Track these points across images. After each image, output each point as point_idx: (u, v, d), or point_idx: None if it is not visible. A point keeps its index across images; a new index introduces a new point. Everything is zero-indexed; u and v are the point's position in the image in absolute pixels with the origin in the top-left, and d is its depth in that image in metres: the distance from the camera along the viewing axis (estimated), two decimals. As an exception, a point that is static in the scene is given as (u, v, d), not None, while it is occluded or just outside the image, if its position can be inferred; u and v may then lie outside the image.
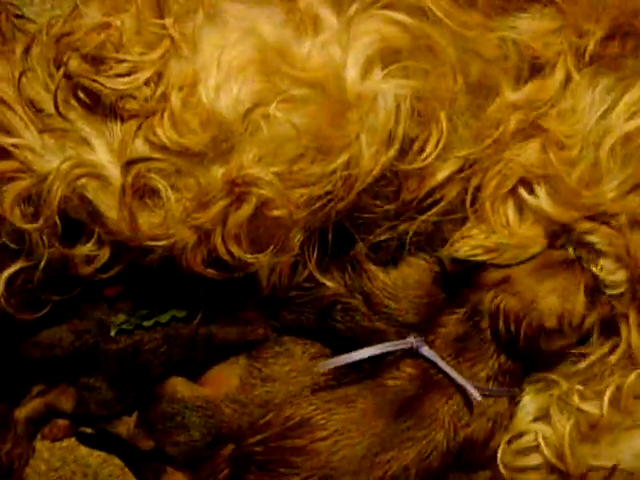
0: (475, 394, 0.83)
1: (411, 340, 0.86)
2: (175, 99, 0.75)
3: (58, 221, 0.79)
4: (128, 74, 0.76)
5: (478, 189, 0.87)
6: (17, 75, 0.79)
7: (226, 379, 0.91)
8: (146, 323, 0.90)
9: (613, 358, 0.87)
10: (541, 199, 0.86)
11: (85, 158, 0.78)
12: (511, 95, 0.81)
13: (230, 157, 0.76)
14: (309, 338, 0.93)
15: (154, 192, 0.77)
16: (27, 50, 0.80)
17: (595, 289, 0.86)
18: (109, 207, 0.78)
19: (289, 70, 0.76)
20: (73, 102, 0.78)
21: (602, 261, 0.87)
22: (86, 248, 0.82)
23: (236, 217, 0.77)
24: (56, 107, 0.77)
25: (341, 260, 0.90)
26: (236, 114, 0.74)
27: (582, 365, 0.88)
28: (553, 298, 0.83)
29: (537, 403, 0.88)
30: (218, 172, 0.77)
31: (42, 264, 0.81)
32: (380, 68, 0.78)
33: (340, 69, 0.77)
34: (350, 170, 0.79)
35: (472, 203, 0.88)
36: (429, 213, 0.87)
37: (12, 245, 0.81)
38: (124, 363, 0.91)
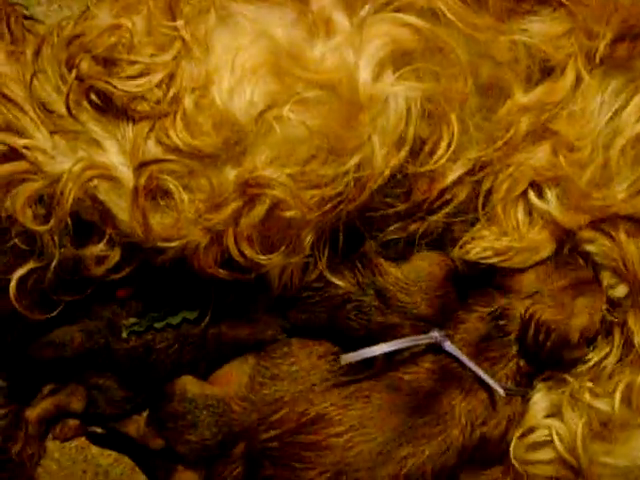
0: (499, 390, 0.84)
1: (435, 335, 0.87)
2: (188, 101, 0.75)
3: (70, 222, 0.79)
4: (140, 76, 0.76)
5: (489, 192, 0.87)
6: (28, 76, 0.79)
7: (236, 378, 0.91)
8: (157, 325, 0.90)
9: (619, 359, 0.88)
10: (550, 203, 0.87)
11: (97, 160, 0.78)
12: (522, 97, 0.82)
13: (243, 159, 0.76)
14: (320, 337, 0.93)
15: (166, 193, 0.77)
16: (38, 52, 0.80)
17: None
18: (121, 209, 0.79)
19: (302, 72, 0.76)
20: (85, 104, 0.78)
21: (601, 273, 0.89)
22: (97, 249, 0.82)
23: (249, 218, 0.78)
24: (68, 109, 0.77)
25: (351, 259, 0.91)
26: (249, 116, 0.75)
27: (590, 365, 0.89)
28: (584, 316, 0.86)
29: (549, 400, 0.89)
30: (231, 173, 0.77)
31: (53, 265, 0.81)
32: (392, 70, 0.79)
33: (352, 71, 0.77)
34: (362, 172, 0.79)
35: (483, 205, 0.88)
36: (439, 214, 0.88)
37: (23, 246, 0.81)
38: (134, 363, 0.92)
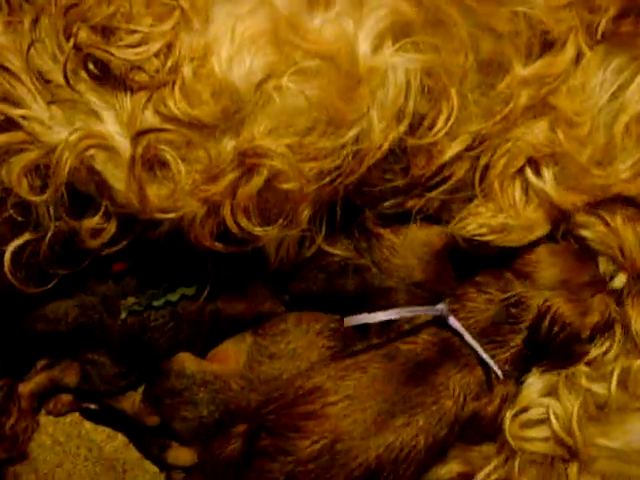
0: (499, 372, 0.84)
1: (441, 307, 0.86)
2: (186, 70, 0.75)
3: (66, 194, 0.78)
4: (138, 45, 0.75)
5: (487, 167, 0.87)
6: (25, 46, 0.78)
7: (234, 355, 0.91)
8: (156, 303, 0.90)
9: (615, 345, 0.88)
10: (546, 182, 0.86)
11: (94, 129, 0.77)
12: (522, 71, 0.81)
13: (241, 129, 0.76)
14: (319, 308, 0.94)
15: (164, 164, 0.77)
16: (35, 21, 0.79)
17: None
18: (118, 179, 0.78)
19: (301, 42, 0.75)
20: (82, 73, 0.77)
21: (598, 260, 0.89)
22: (93, 221, 0.81)
23: (246, 189, 0.77)
24: (65, 78, 0.76)
25: (349, 229, 0.91)
26: (248, 85, 0.74)
27: (590, 358, 0.88)
28: (598, 313, 0.86)
29: (545, 381, 0.89)
30: (229, 144, 0.76)
31: (48, 237, 0.81)
32: (391, 42, 0.78)
33: (352, 42, 0.76)
34: (360, 145, 0.79)
35: (480, 181, 0.88)
36: (437, 190, 0.87)
37: (19, 217, 0.81)
38: (129, 339, 0.91)
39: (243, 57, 0.75)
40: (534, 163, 0.87)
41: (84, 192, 0.81)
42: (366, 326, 0.88)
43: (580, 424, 0.85)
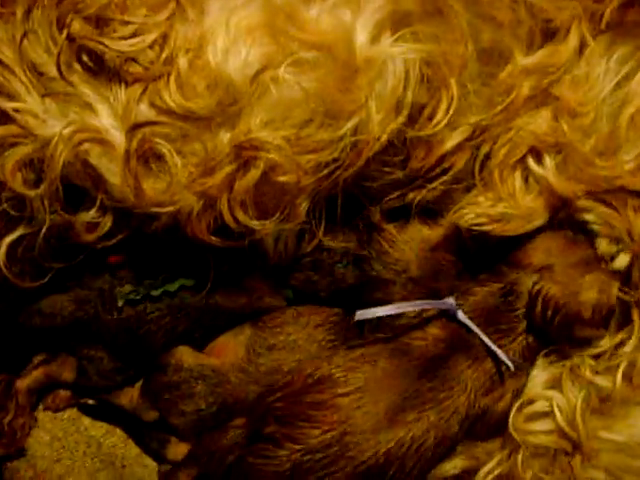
0: (509, 363, 0.84)
1: (450, 302, 0.86)
2: (181, 62, 0.74)
3: (61, 188, 0.78)
4: (133, 36, 0.75)
5: (488, 156, 0.86)
6: (18, 38, 0.77)
7: (232, 348, 0.90)
8: (154, 292, 0.89)
9: (625, 340, 0.87)
10: (547, 169, 0.85)
11: (88, 123, 0.76)
12: (523, 60, 0.80)
13: (237, 121, 0.75)
14: (319, 300, 0.93)
15: (159, 157, 0.76)
16: (28, 12, 0.78)
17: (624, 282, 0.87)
18: (113, 173, 0.77)
19: (298, 33, 0.74)
20: (76, 65, 0.77)
21: (597, 241, 0.87)
22: (89, 215, 0.81)
23: (243, 182, 0.76)
24: (59, 70, 0.76)
25: (349, 222, 0.91)
26: (244, 77, 0.73)
27: (605, 349, 0.87)
28: (594, 292, 0.84)
29: (549, 373, 0.88)
30: (225, 136, 0.75)
31: (43, 231, 0.80)
32: (390, 32, 0.77)
33: (349, 33, 0.75)
34: (358, 136, 0.78)
35: (481, 170, 0.87)
36: (438, 182, 0.86)
37: (13, 212, 0.80)
38: (126, 333, 0.90)
39: (239, 48, 0.74)
40: (536, 152, 0.86)
41: (79, 186, 0.80)
42: (366, 321, 0.88)
43: (584, 417, 0.85)
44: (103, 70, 0.76)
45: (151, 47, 0.75)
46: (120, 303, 0.89)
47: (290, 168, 0.76)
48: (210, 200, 0.78)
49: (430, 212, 0.91)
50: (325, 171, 0.79)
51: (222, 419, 0.88)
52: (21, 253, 0.82)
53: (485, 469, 0.87)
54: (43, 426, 0.94)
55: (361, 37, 0.76)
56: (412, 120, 0.81)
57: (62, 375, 0.92)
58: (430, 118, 0.81)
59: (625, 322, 0.87)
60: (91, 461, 0.92)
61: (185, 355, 0.90)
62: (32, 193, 0.78)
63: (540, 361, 0.89)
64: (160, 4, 0.76)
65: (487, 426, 0.86)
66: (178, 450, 0.90)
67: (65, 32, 0.75)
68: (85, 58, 0.76)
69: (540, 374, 0.88)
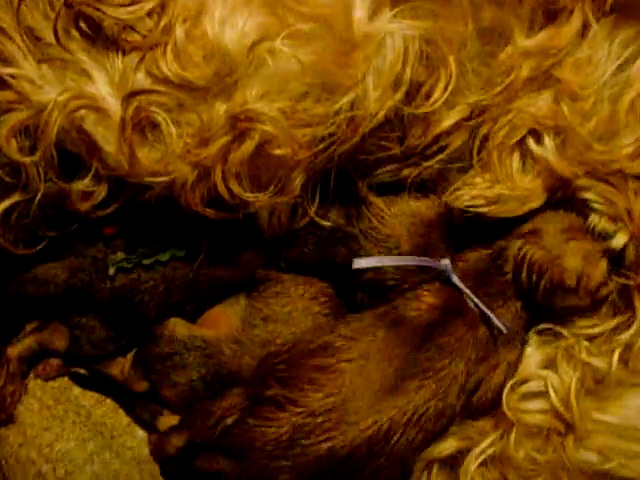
0: (502, 327, 0.84)
1: (446, 263, 0.87)
2: (179, 31, 0.74)
3: (55, 154, 0.77)
4: (131, 4, 0.74)
5: (486, 138, 0.85)
6: (16, 3, 0.76)
7: (226, 319, 0.90)
8: (145, 261, 0.89)
9: (623, 324, 0.87)
10: (547, 149, 0.85)
11: (84, 90, 0.76)
12: (524, 41, 0.79)
13: (234, 92, 0.75)
14: (311, 273, 0.93)
15: (155, 126, 0.76)
16: (26, -23, 0.78)
17: (618, 261, 0.87)
18: (108, 141, 0.77)
19: (295, 5, 0.74)
20: (74, 32, 0.76)
21: (595, 219, 0.87)
22: (83, 184, 0.80)
23: (238, 154, 0.76)
24: (56, 36, 0.75)
25: (342, 197, 0.90)
26: (241, 47, 0.73)
27: (589, 325, 0.88)
28: (577, 259, 0.85)
29: (544, 353, 0.88)
30: (221, 107, 0.75)
31: (38, 198, 0.80)
32: (389, 8, 0.76)
33: (348, 7, 0.75)
34: (354, 111, 0.78)
35: (479, 151, 0.86)
36: (434, 160, 0.86)
37: (7, 178, 0.80)
38: (119, 303, 0.90)
39: (236, 19, 0.73)
40: (535, 134, 0.85)
41: (74, 154, 0.80)
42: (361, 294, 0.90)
43: (578, 398, 0.85)
44: (100, 37, 0.76)
45: (149, 15, 0.74)
46: (112, 271, 0.89)
47: (285, 141, 0.75)
48: (204, 171, 0.77)
49: (421, 187, 0.90)
50: (321, 145, 0.79)
51: (215, 391, 0.87)
52: (15, 220, 0.82)
53: (478, 449, 0.87)
54: (33, 394, 0.94)
55: (360, 12, 0.75)
56: (410, 97, 0.81)
57: (54, 343, 0.92)
58: (428, 96, 0.80)
59: (623, 306, 0.87)
60: (80, 430, 0.92)
61: (178, 326, 0.90)
62: (27, 160, 0.78)
63: (534, 339, 0.90)
64: (159, -27, 0.75)
65: (482, 402, 0.87)
66: (170, 421, 0.90)
67: (63, -3, 0.75)
68: (83, 25, 0.75)
69: (534, 354, 0.88)
